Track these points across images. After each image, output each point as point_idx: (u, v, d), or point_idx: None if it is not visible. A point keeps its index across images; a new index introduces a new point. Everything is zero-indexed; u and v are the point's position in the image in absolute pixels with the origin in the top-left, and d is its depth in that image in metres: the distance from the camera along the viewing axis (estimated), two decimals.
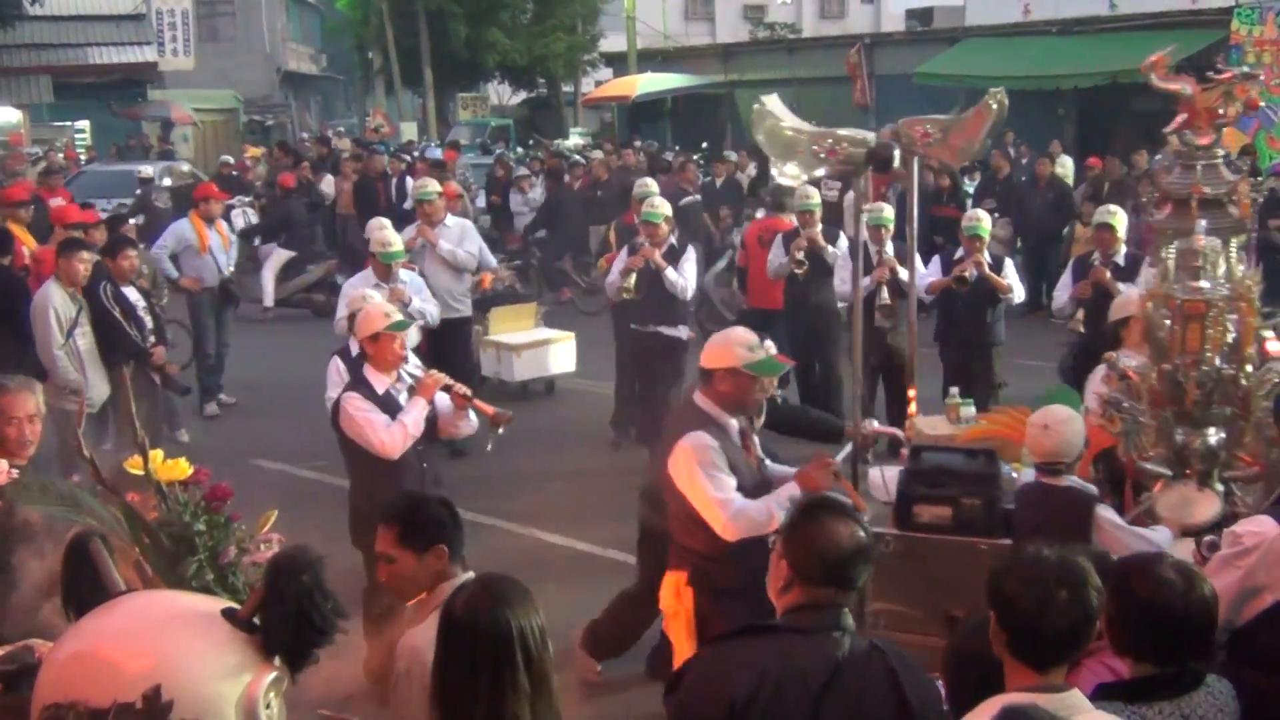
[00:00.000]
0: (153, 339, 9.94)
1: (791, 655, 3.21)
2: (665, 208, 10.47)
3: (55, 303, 9.19)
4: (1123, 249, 9.48)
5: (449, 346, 10.78)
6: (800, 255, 10.86)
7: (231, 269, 12.90)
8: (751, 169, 20.16)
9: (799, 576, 3.32)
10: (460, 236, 11.19)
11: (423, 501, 4.21)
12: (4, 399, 5.11)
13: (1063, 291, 9.67)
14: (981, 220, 10.06)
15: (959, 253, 10.11)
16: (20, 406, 5.14)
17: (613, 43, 40.14)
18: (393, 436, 6.38)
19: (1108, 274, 9.16)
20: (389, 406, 6.49)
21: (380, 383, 6.58)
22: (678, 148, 25.97)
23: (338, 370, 7.77)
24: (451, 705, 3.10)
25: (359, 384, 6.61)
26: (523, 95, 43.87)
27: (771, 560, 3.42)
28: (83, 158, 29.35)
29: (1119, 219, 9.51)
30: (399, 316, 6.83)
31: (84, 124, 33.63)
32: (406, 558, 3.95)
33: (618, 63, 37.77)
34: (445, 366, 10.56)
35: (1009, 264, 9.99)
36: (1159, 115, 23.72)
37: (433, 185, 11.71)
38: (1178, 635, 3.32)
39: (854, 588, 3.36)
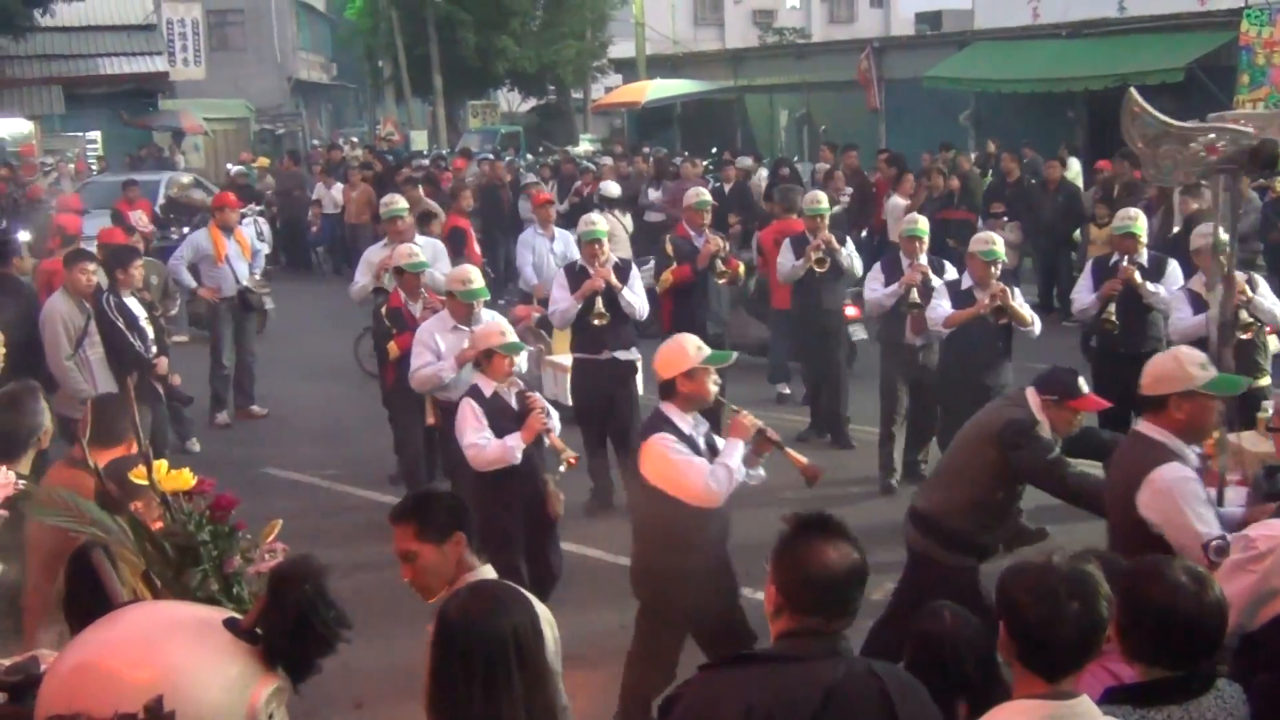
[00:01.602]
0: (154, 349, 9.92)
1: (782, 685, 3.08)
2: (603, 223, 9.78)
3: (62, 313, 9.22)
4: (1145, 251, 9.41)
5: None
6: (818, 255, 10.63)
7: (258, 276, 12.78)
8: (762, 174, 20.07)
9: (788, 603, 3.16)
10: (434, 258, 10.34)
11: (431, 494, 4.29)
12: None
13: (1084, 293, 9.44)
14: (996, 243, 9.20)
15: (965, 280, 9.32)
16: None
17: (622, 49, 40.17)
18: (719, 481, 5.63)
19: (1136, 273, 9.08)
20: (693, 449, 5.83)
21: (685, 423, 5.85)
22: (686, 153, 25.98)
23: (474, 414, 6.91)
24: (446, 708, 3.10)
25: (663, 423, 5.82)
26: (532, 102, 43.97)
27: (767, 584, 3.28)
28: (94, 168, 29.43)
29: (1140, 225, 9.39)
30: (709, 349, 6.05)
31: (95, 134, 33.74)
32: (427, 551, 4.02)
33: (627, 69, 37.81)
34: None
35: (1018, 292, 9.33)
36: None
37: (400, 202, 11.03)
38: (1190, 639, 3.29)
39: (849, 613, 3.18)
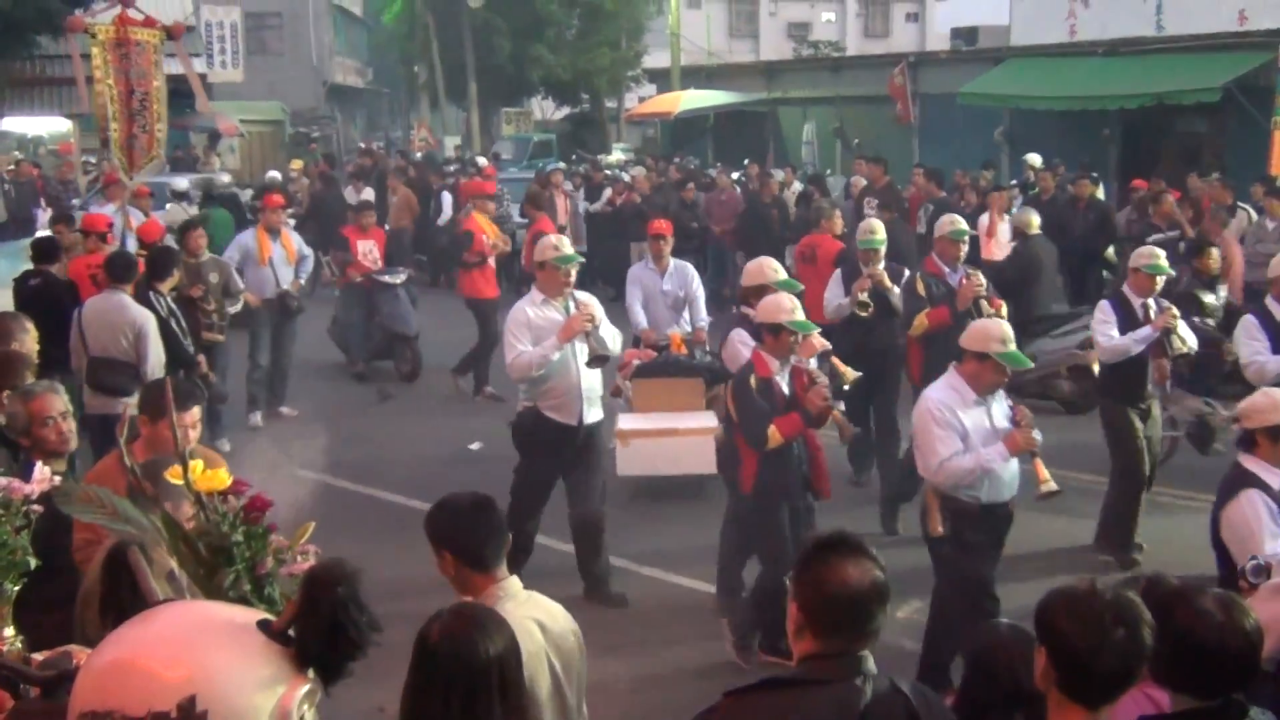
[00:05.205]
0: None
1: (814, 710, 3.03)
2: (566, 246, 8.14)
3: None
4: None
5: (591, 460, 8.26)
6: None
7: (301, 281, 12.77)
8: (796, 186, 19.98)
9: (810, 623, 3.10)
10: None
11: (447, 502, 4.04)
12: (35, 403, 5.51)
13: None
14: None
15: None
16: (51, 407, 5.53)
17: (656, 59, 40.25)
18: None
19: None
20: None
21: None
22: (719, 164, 25.97)
23: (1269, 514, 5.45)
24: None
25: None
26: (566, 110, 44.07)
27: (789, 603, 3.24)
28: None
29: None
30: None
31: None
32: (436, 557, 3.97)
33: (661, 79, 37.86)
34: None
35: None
36: (1204, 137, 23.61)
37: (567, 246, 8.11)
38: (1215, 667, 3.23)
39: (872, 632, 3.11)
